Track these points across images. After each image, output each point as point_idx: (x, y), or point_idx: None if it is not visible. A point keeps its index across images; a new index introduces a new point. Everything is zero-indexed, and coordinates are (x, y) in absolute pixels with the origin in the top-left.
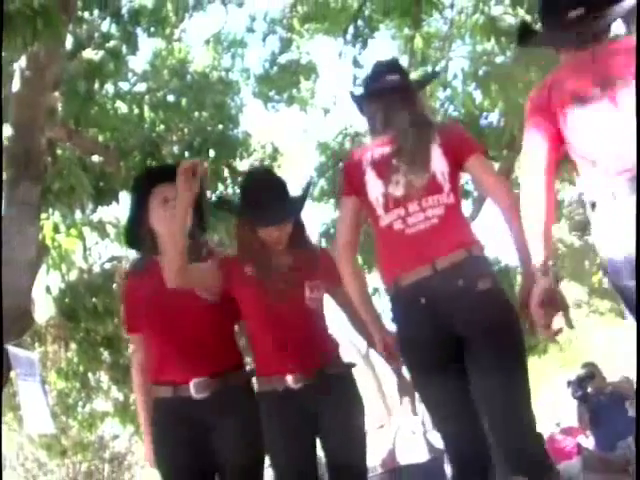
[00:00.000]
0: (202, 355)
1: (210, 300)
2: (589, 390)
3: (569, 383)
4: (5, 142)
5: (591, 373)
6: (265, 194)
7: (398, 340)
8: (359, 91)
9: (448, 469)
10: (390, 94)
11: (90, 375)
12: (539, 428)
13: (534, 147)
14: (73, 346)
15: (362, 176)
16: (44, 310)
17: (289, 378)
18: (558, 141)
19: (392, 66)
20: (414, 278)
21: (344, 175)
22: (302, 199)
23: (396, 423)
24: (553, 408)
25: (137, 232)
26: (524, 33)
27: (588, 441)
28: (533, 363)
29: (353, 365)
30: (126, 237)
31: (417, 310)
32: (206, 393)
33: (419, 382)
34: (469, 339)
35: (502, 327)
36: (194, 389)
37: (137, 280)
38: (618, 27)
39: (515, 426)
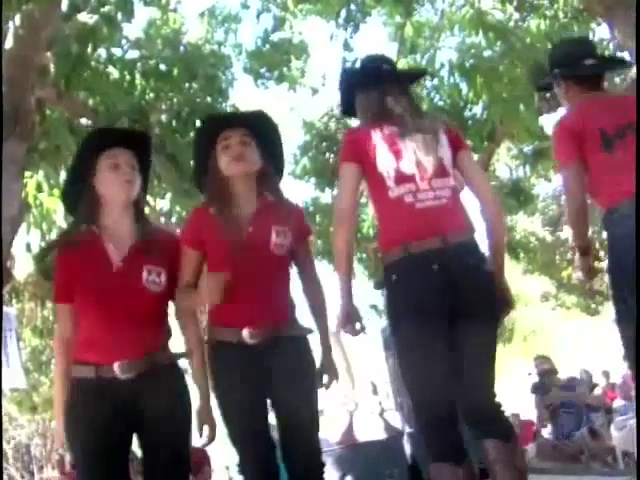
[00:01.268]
0: (131, 338)
1: (155, 291)
2: (546, 383)
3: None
4: None
5: (551, 368)
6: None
7: (402, 299)
8: (354, 76)
9: (407, 447)
10: (389, 82)
11: None
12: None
13: (575, 164)
14: (49, 304)
15: (372, 148)
16: (23, 268)
17: (244, 332)
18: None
19: (386, 59)
20: (426, 247)
21: (348, 143)
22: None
23: (354, 401)
24: (513, 395)
25: (78, 195)
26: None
27: (545, 430)
28: (498, 350)
29: (310, 331)
30: (65, 200)
31: (429, 275)
32: (131, 374)
33: (414, 338)
34: (467, 312)
35: (494, 308)
36: (119, 370)
37: (74, 249)
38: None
39: (492, 395)
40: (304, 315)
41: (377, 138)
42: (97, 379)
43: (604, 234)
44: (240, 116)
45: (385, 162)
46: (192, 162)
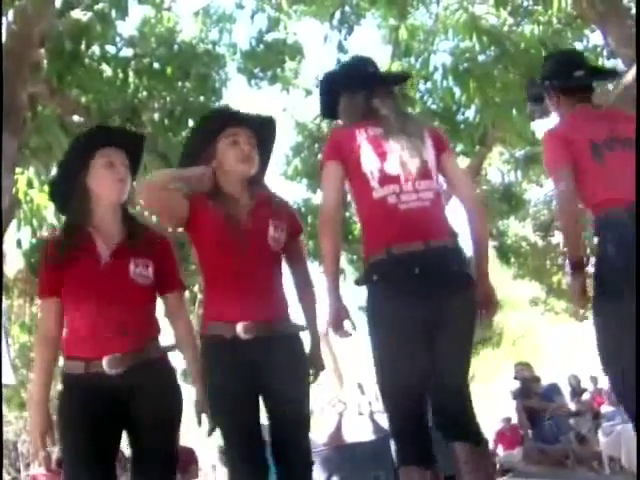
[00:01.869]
0: (120, 332)
1: (143, 283)
2: (526, 390)
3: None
4: None
5: (531, 376)
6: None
7: (381, 300)
8: (339, 77)
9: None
10: (375, 83)
11: None
12: (487, 417)
13: (567, 172)
14: (38, 301)
15: (356, 148)
16: (13, 264)
17: (239, 327)
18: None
19: (370, 61)
20: (408, 249)
21: (333, 142)
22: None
23: (343, 402)
24: (503, 399)
25: (67, 190)
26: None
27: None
28: (486, 354)
29: (304, 328)
30: (54, 196)
31: (410, 278)
32: (120, 369)
33: (389, 340)
34: (446, 317)
35: (473, 313)
36: (107, 365)
37: (61, 245)
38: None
39: (464, 399)
40: (294, 311)
41: (362, 138)
42: (86, 374)
43: (594, 239)
44: (252, 117)
45: (369, 162)
46: (184, 150)
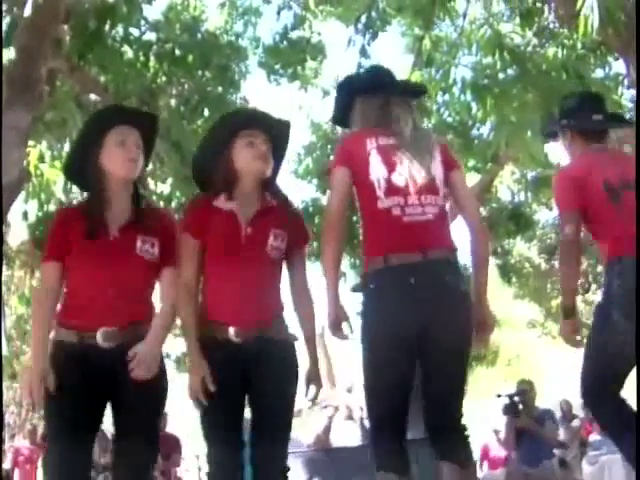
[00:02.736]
0: (118, 305)
1: (146, 258)
2: (520, 408)
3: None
4: (6, 63)
5: (523, 391)
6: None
7: (375, 309)
8: (359, 82)
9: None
10: (392, 92)
11: None
12: (477, 434)
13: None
14: (38, 274)
15: (365, 156)
16: (17, 235)
17: (231, 330)
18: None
19: (390, 72)
20: (406, 260)
21: (343, 148)
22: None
23: (334, 405)
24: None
25: (81, 167)
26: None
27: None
28: (480, 372)
29: (296, 338)
30: (67, 169)
31: (405, 288)
32: (113, 343)
33: (377, 347)
34: (440, 330)
35: (468, 328)
36: (101, 337)
37: (77, 215)
38: None
39: (456, 417)
40: (291, 321)
41: (372, 147)
42: (79, 345)
43: (598, 268)
44: (270, 120)
45: (377, 172)
46: (199, 150)
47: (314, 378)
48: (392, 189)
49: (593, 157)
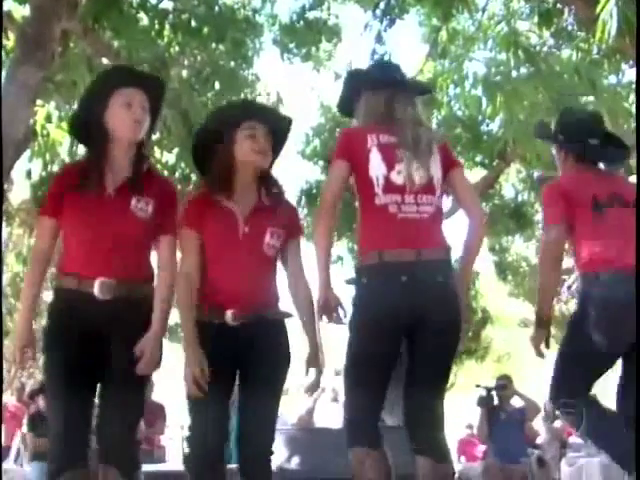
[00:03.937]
0: (114, 258)
1: (141, 217)
2: (495, 402)
3: (479, 397)
4: (20, 20)
5: (502, 386)
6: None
7: (365, 303)
8: (366, 75)
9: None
10: (398, 90)
11: None
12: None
13: (561, 226)
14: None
15: (366, 152)
16: (19, 193)
17: (228, 314)
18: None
19: (399, 68)
20: (398, 258)
21: (344, 142)
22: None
23: (322, 387)
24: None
25: (86, 125)
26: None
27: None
28: (469, 367)
29: (290, 314)
30: (72, 126)
31: (396, 285)
32: (109, 295)
33: (363, 340)
34: (428, 328)
35: (457, 329)
36: (98, 288)
37: (76, 171)
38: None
39: (435, 414)
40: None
41: (372, 144)
42: (77, 292)
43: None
44: (273, 114)
45: (377, 169)
46: (199, 135)
47: (314, 364)
48: (390, 187)
49: (585, 173)
